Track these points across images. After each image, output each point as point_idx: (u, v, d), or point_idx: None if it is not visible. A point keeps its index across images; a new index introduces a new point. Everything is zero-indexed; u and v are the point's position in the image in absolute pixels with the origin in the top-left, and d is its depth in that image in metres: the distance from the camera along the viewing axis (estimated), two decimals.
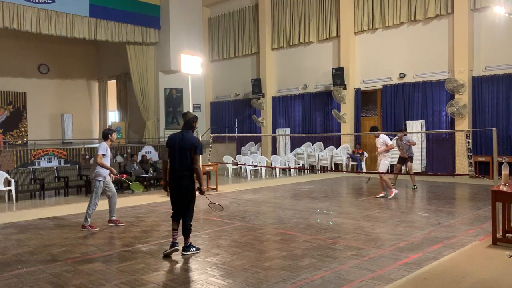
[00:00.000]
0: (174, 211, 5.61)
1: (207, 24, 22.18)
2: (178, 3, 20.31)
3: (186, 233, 5.51)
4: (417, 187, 11.46)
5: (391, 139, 10.61)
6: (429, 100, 14.77)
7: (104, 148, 7.29)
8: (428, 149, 14.59)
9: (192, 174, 5.46)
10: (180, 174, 5.43)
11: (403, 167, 12.00)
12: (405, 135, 11.70)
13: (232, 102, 21.41)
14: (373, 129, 10.38)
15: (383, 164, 9.82)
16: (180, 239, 5.61)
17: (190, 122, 5.58)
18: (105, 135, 7.51)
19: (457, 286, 4.16)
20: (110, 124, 23.78)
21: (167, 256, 5.38)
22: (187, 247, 5.53)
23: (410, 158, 11.64)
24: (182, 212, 5.52)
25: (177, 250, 5.44)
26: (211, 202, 6.45)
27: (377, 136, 10.09)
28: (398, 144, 11.75)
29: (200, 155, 5.56)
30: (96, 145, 18.19)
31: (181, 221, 5.55)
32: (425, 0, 14.62)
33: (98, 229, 7.13)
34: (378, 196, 9.92)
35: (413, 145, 11.77)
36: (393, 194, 9.78)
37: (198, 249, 5.64)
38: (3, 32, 17.95)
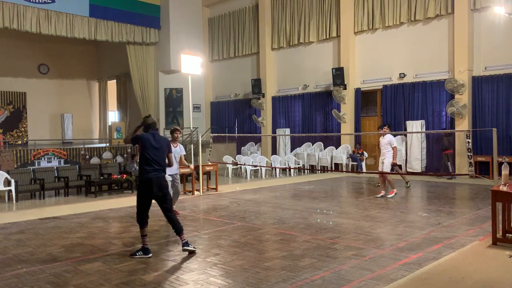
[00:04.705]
0: (146, 215, 5.56)
1: (207, 24, 22.18)
2: (178, 3, 20.30)
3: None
4: (411, 184, 11.66)
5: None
6: (429, 100, 14.76)
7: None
8: (428, 149, 14.59)
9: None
10: (161, 174, 5.58)
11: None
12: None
13: (232, 102, 21.40)
14: (387, 126, 10.25)
15: (388, 163, 9.78)
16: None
17: (155, 124, 5.77)
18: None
19: (457, 286, 4.16)
20: (110, 124, 23.78)
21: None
22: (186, 242, 5.57)
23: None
24: (167, 210, 5.66)
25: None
26: None
27: (383, 135, 10.00)
28: (379, 141, 11.90)
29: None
30: (96, 145, 18.19)
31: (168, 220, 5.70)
32: (425, 0, 14.62)
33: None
34: (378, 196, 9.93)
35: (393, 149, 11.70)
36: (393, 194, 9.83)
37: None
38: (3, 32, 17.95)
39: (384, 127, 11.71)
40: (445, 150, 13.63)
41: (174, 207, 7.50)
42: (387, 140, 9.85)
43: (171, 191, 7.49)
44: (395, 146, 9.82)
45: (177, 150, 7.97)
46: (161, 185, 5.51)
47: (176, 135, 8.05)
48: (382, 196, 9.82)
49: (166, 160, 5.72)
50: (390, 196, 9.79)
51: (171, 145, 7.41)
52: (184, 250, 5.50)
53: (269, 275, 4.59)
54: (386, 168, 9.81)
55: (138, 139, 5.55)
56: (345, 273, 4.61)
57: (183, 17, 20.50)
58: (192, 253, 5.50)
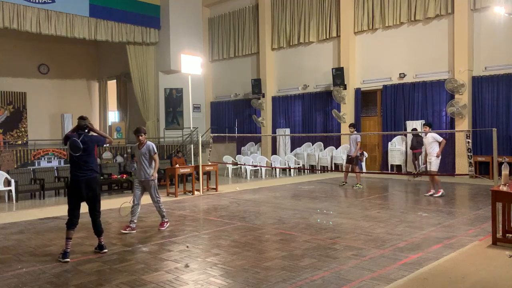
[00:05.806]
0: (75, 218, 5.60)
1: (207, 24, 22.17)
2: (178, 3, 20.31)
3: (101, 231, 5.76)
4: (363, 186, 11.76)
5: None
6: (429, 100, 14.76)
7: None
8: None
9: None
10: (91, 175, 5.65)
11: (354, 166, 12.06)
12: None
13: (232, 102, 21.40)
14: (427, 125, 10.16)
15: (435, 163, 9.64)
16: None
17: (84, 127, 5.89)
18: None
19: (457, 286, 4.16)
20: (110, 124, 23.76)
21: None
22: (102, 246, 5.70)
23: (356, 159, 11.81)
24: (94, 211, 5.74)
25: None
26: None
27: (425, 134, 9.93)
28: (349, 139, 12.00)
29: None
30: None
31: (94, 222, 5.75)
32: (425, 0, 14.62)
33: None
34: (427, 194, 9.90)
35: (358, 147, 11.77)
36: (440, 193, 9.73)
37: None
38: (3, 32, 17.95)
39: (350, 127, 11.91)
40: (413, 150, 13.90)
41: (165, 220, 7.15)
42: (432, 139, 9.65)
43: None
44: (444, 139, 9.65)
45: (142, 151, 6.91)
46: (91, 186, 5.58)
47: (137, 137, 6.95)
48: (430, 195, 9.78)
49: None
50: (437, 195, 9.67)
51: (137, 147, 7.00)
52: (95, 250, 5.71)
53: (269, 275, 4.59)
54: (434, 167, 9.62)
55: (66, 139, 5.71)
56: (345, 273, 4.61)
57: (183, 17, 20.51)
58: (99, 252, 5.66)
